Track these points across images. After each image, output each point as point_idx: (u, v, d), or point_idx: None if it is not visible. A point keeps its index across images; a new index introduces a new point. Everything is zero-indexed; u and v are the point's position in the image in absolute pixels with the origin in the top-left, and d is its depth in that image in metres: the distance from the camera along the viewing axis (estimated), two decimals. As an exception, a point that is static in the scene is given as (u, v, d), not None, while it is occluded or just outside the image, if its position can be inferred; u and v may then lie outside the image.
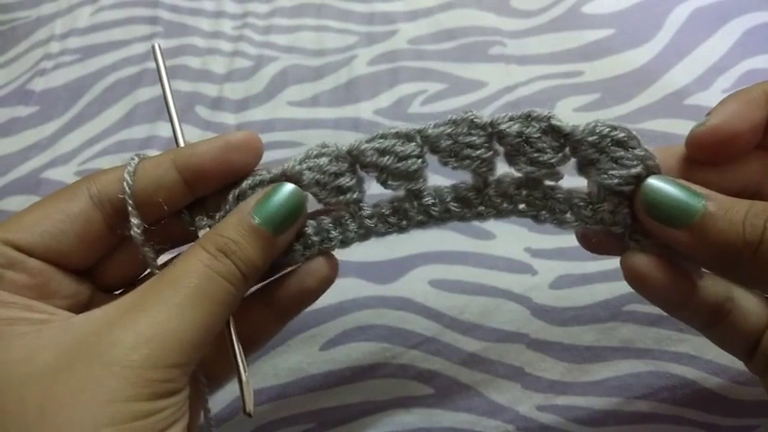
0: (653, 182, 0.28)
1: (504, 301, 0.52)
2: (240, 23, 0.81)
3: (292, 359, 0.51)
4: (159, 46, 0.35)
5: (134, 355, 0.26)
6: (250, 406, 0.31)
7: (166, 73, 0.34)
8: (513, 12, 0.79)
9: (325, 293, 0.53)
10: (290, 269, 0.33)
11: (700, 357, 0.50)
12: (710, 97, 0.65)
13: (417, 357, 0.52)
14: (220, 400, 0.51)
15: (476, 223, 0.33)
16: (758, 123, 0.28)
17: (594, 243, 0.32)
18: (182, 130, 0.34)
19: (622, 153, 0.29)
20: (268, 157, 0.33)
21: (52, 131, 0.70)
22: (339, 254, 0.55)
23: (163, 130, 0.68)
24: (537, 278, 0.53)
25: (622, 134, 0.29)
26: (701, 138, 0.29)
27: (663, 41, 0.72)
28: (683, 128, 0.62)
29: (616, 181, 0.29)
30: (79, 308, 0.31)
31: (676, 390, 0.50)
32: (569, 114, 0.66)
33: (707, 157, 0.29)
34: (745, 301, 0.29)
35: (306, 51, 0.77)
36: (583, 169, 0.30)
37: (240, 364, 0.32)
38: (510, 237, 0.56)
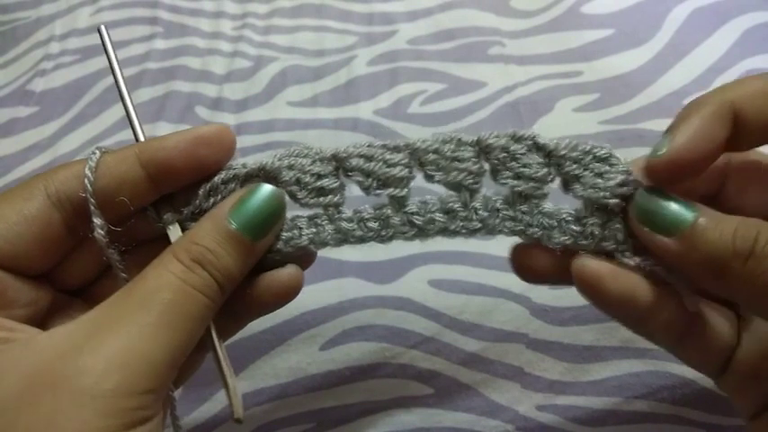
0: (646, 189, 0.28)
1: (503, 301, 0.53)
2: (240, 24, 0.81)
3: (292, 359, 0.51)
4: (106, 29, 0.32)
5: (105, 384, 0.24)
6: (239, 412, 0.29)
7: (116, 58, 0.32)
8: (512, 12, 0.79)
9: (326, 293, 0.53)
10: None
11: (699, 357, 0.50)
12: (710, 97, 0.65)
13: (417, 357, 0.52)
14: (220, 400, 0.51)
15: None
16: (723, 138, 0.27)
17: (535, 270, 0.31)
18: (139, 121, 0.31)
19: (607, 168, 0.29)
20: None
21: (52, 132, 0.70)
22: (339, 254, 0.55)
23: (163, 130, 0.68)
24: (536, 278, 0.53)
25: (604, 151, 0.29)
26: (658, 169, 0.27)
27: (662, 41, 0.72)
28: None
29: (602, 194, 0.29)
30: (40, 315, 0.29)
31: (676, 389, 0.50)
32: (569, 114, 0.66)
33: (666, 184, 0.28)
34: (714, 319, 0.29)
35: (305, 52, 0.77)
36: (568, 186, 0.30)
37: (226, 370, 0.29)
38: (509, 237, 0.56)
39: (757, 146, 0.28)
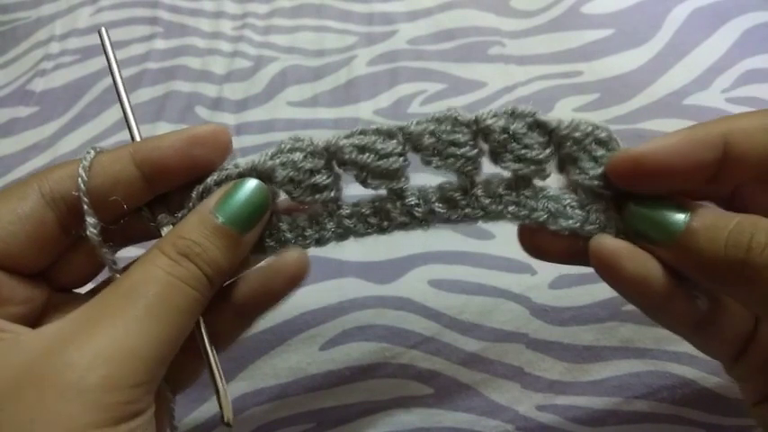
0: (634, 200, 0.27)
1: (503, 301, 0.53)
2: (240, 24, 0.81)
3: (292, 359, 0.51)
4: (106, 31, 0.32)
5: (91, 377, 0.23)
6: (229, 415, 0.29)
7: (116, 60, 0.31)
8: (512, 12, 0.79)
9: (326, 293, 0.53)
10: (254, 267, 0.31)
11: (699, 357, 0.50)
12: (710, 97, 0.65)
13: (417, 357, 0.52)
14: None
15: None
16: (704, 164, 0.26)
17: (538, 245, 0.30)
18: (136, 121, 0.31)
19: (603, 152, 0.28)
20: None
21: (52, 132, 0.70)
22: (339, 254, 0.55)
23: (163, 130, 0.67)
24: (536, 278, 0.53)
25: (604, 134, 0.28)
26: (619, 165, 0.27)
27: (662, 41, 0.72)
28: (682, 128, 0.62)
29: (596, 183, 0.28)
30: (35, 313, 0.29)
31: (676, 389, 0.50)
32: (569, 114, 0.66)
33: (629, 187, 0.27)
34: (731, 308, 0.28)
35: (305, 52, 0.77)
36: (564, 168, 0.29)
37: (216, 372, 0.29)
38: (509, 236, 0.55)
39: (750, 181, 0.27)
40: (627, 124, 0.64)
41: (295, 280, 0.30)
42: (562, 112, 0.66)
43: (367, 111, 0.69)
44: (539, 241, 0.30)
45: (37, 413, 0.23)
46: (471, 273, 0.54)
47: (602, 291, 0.52)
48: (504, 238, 0.56)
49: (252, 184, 0.29)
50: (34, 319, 0.29)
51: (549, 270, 0.54)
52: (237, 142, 0.66)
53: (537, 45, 0.74)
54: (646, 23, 0.74)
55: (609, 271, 0.27)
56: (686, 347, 0.51)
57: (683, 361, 0.50)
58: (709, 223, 0.25)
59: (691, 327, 0.29)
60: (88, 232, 0.29)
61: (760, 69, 0.67)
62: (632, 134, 0.63)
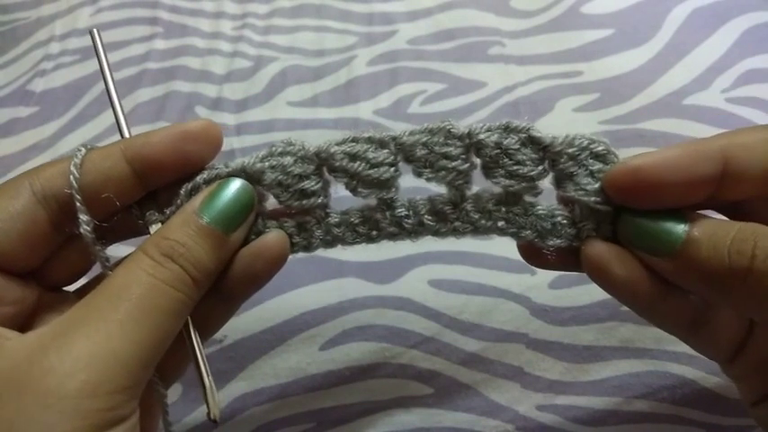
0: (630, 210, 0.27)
1: (503, 301, 0.53)
2: (240, 24, 0.81)
3: (292, 359, 0.51)
4: (98, 31, 0.32)
5: (70, 383, 0.23)
6: (215, 411, 0.28)
7: (107, 60, 0.32)
8: (512, 12, 0.79)
9: (326, 293, 0.53)
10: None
11: (699, 357, 0.50)
12: (710, 97, 0.65)
13: (417, 357, 0.52)
14: (219, 400, 0.51)
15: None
16: (704, 178, 0.25)
17: (543, 257, 0.30)
18: (125, 119, 0.31)
19: (600, 167, 0.28)
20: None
21: (52, 132, 0.70)
22: (339, 254, 0.55)
23: (163, 130, 0.68)
24: (536, 278, 0.53)
25: (601, 147, 0.28)
26: (617, 178, 0.26)
27: (662, 41, 0.72)
28: (681, 128, 0.62)
29: (592, 199, 0.27)
30: (25, 314, 0.29)
31: (676, 389, 0.50)
32: (569, 114, 0.66)
33: (627, 201, 0.27)
34: (725, 309, 0.28)
35: (305, 52, 0.77)
36: (560, 184, 0.29)
37: (203, 368, 0.29)
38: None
39: (750, 197, 0.27)
40: (627, 124, 0.64)
41: (277, 261, 0.30)
42: (562, 112, 0.66)
43: (367, 111, 0.69)
44: (534, 251, 0.30)
45: (16, 420, 0.22)
46: (471, 273, 0.54)
47: (602, 291, 0.52)
48: (503, 237, 0.56)
49: (237, 183, 0.29)
50: (24, 320, 0.29)
51: (548, 270, 0.54)
52: (238, 142, 0.66)
53: (537, 45, 0.74)
54: (646, 23, 0.74)
55: (600, 275, 0.28)
56: (686, 347, 0.50)
57: (683, 361, 0.50)
58: (710, 232, 0.25)
59: (685, 327, 0.29)
60: (82, 230, 0.28)
61: (760, 69, 0.67)
62: (632, 134, 0.63)
